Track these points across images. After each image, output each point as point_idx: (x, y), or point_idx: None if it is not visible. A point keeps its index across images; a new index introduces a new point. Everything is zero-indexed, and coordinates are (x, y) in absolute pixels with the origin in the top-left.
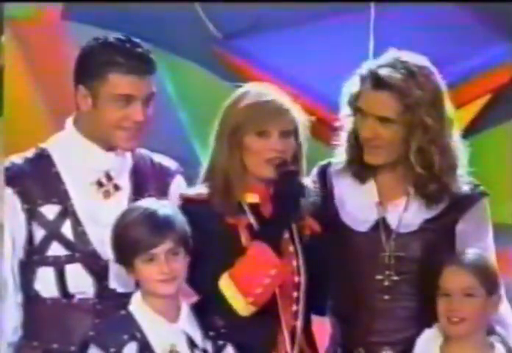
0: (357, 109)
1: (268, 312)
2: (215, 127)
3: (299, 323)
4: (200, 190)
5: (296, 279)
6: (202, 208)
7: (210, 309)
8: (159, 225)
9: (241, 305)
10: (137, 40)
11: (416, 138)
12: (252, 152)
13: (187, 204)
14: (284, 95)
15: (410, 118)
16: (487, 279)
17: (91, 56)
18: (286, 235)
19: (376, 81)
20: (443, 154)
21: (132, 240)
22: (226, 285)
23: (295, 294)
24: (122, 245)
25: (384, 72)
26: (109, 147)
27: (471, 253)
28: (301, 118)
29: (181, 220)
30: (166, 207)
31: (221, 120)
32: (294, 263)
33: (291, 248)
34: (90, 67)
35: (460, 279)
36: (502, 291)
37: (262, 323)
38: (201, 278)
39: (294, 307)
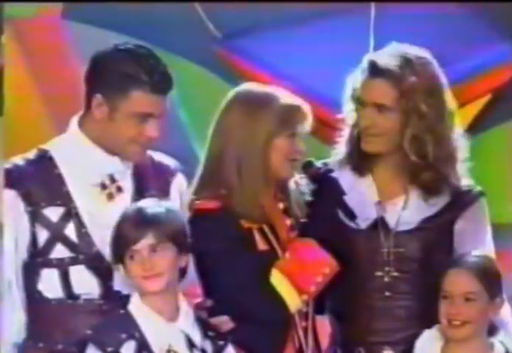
0: (357, 100)
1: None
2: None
3: (310, 324)
4: (208, 196)
5: None
6: (216, 216)
7: (220, 312)
8: (140, 221)
9: (296, 302)
10: (157, 55)
11: (411, 126)
12: (282, 153)
13: (199, 215)
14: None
15: (405, 104)
16: (490, 283)
17: (112, 67)
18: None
19: (372, 69)
20: (439, 144)
21: (117, 237)
22: (279, 282)
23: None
24: (112, 244)
25: (380, 59)
26: (115, 152)
27: (474, 255)
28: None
29: (171, 216)
30: (159, 205)
31: (249, 125)
32: None
33: None
34: (111, 79)
35: (462, 282)
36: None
37: (274, 324)
38: (224, 284)
39: (304, 309)
